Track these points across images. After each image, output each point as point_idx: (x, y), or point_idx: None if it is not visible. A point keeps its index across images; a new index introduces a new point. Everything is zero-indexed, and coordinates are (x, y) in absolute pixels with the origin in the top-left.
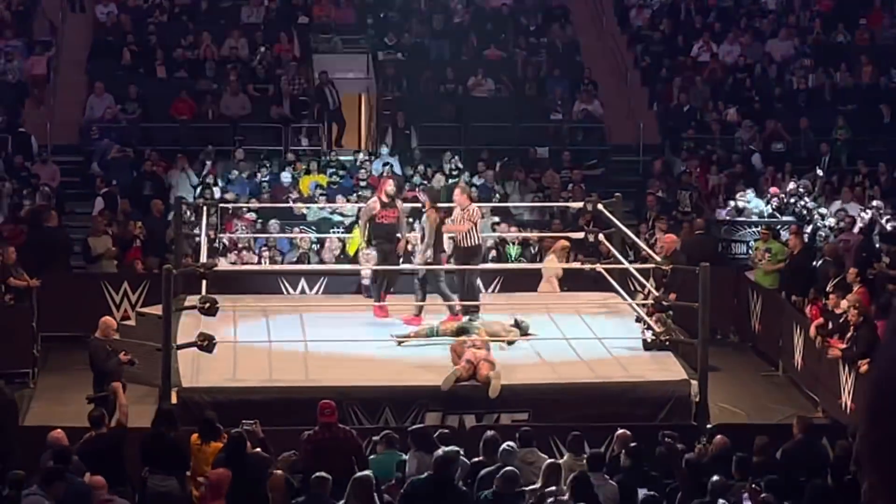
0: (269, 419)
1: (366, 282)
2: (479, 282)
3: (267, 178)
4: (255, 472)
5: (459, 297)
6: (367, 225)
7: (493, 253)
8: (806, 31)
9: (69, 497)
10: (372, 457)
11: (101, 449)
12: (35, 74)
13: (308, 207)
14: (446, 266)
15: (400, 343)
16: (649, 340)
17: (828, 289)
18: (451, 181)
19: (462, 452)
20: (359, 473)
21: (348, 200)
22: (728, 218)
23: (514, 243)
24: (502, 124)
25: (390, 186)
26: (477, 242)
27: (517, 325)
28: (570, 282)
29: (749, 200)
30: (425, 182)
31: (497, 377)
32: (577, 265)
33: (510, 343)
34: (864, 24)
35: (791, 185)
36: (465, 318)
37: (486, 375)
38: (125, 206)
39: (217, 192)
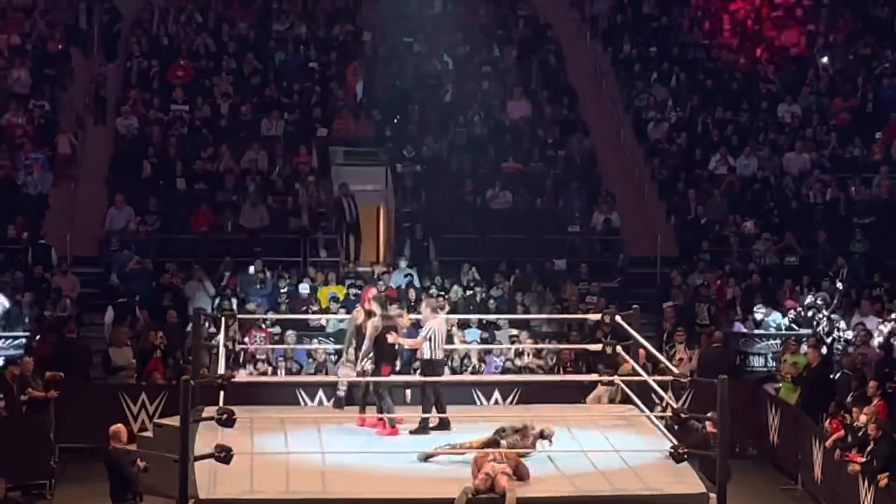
0: None
1: (340, 393)
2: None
3: (285, 290)
4: None
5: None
6: (353, 336)
7: (500, 362)
8: (822, 144)
9: None
10: None
11: None
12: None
13: (327, 319)
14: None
15: (426, 460)
16: (668, 453)
17: (847, 402)
18: (468, 293)
19: None
20: None
21: None
22: (746, 331)
23: (530, 354)
24: (520, 236)
25: (371, 295)
26: (433, 357)
27: (542, 436)
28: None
29: (766, 314)
30: (442, 294)
31: (512, 491)
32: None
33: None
34: (880, 138)
35: (809, 299)
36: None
37: (503, 487)
38: (145, 317)
39: (235, 304)
